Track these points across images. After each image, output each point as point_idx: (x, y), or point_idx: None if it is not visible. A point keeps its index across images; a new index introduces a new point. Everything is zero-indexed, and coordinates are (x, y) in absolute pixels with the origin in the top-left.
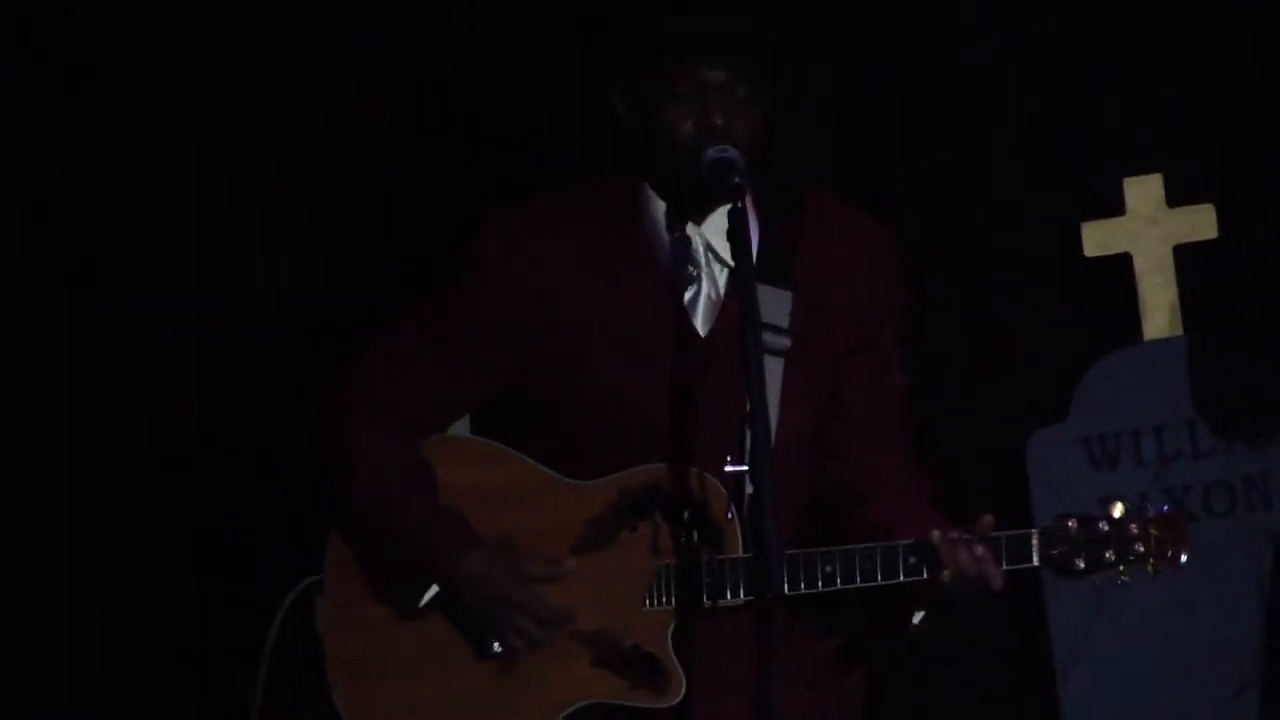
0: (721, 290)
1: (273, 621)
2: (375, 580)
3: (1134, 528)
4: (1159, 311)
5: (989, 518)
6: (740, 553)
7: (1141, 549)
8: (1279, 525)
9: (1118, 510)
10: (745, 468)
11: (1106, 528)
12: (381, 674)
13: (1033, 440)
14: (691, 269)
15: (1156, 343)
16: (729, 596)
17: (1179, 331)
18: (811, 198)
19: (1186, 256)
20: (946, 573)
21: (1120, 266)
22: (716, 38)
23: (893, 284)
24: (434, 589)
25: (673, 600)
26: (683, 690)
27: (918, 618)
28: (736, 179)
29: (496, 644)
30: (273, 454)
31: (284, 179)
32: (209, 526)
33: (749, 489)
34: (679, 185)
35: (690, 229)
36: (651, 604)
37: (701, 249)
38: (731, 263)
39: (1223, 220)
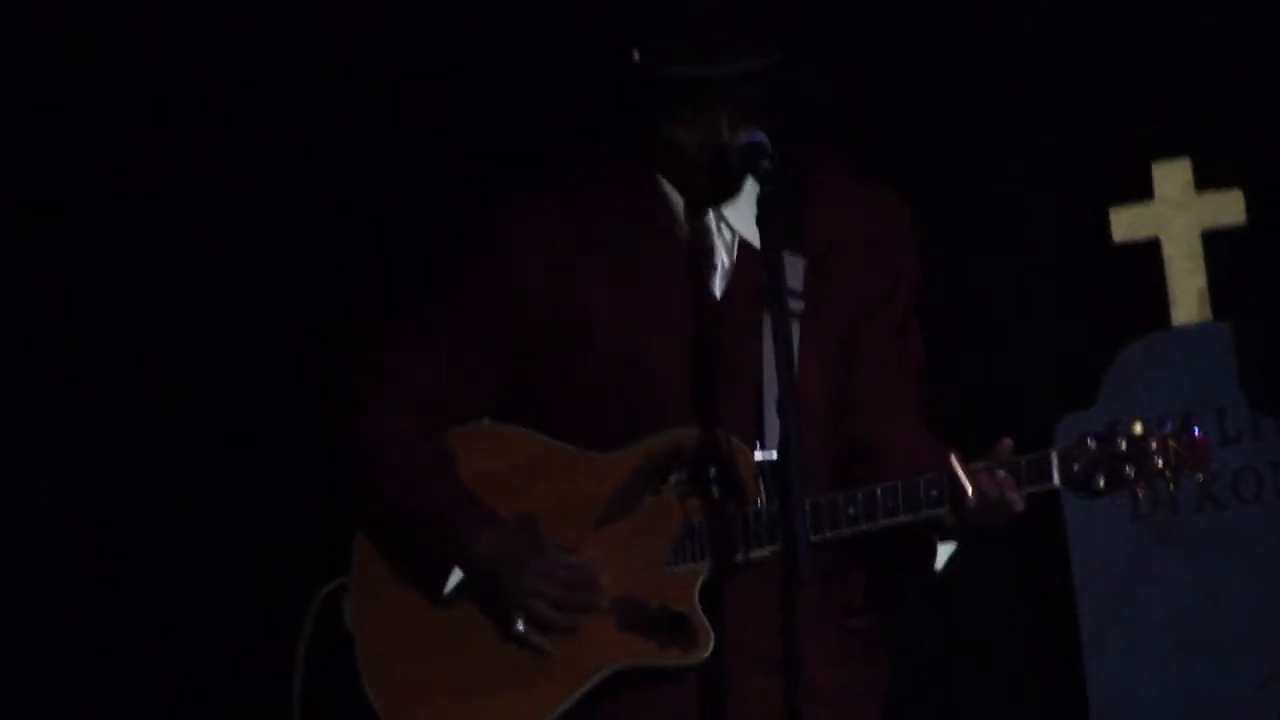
0: (732, 256)
1: (303, 623)
2: (400, 570)
3: (1153, 443)
4: (1187, 297)
5: (1008, 441)
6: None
7: (1160, 463)
8: None
9: (1138, 428)
10: (773, 455)
11: (1125, 444)
12: (410, 659)
13: (1061, 425)
14: (703, 237)
15: (1184, 328)
16: (760, 549)
17: (1207, 317)
18: (822, 162)
19: (1215, 242)
20: (968, 494)
21: (1148, 252)
22: (725, 82)
23: (906, 248)
24: (457, 574)
25: (700, 558)
26: (710, 645)
27: (943, 557)
28: (767, 163)
29: (520, 622)
30: (298, 455)
31: (283, 169)
32: (237, 530)
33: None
34: (685, 179)
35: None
36: (678, 563)
37: (712, 219)
38: (739, 229)
39: (1251, 205)
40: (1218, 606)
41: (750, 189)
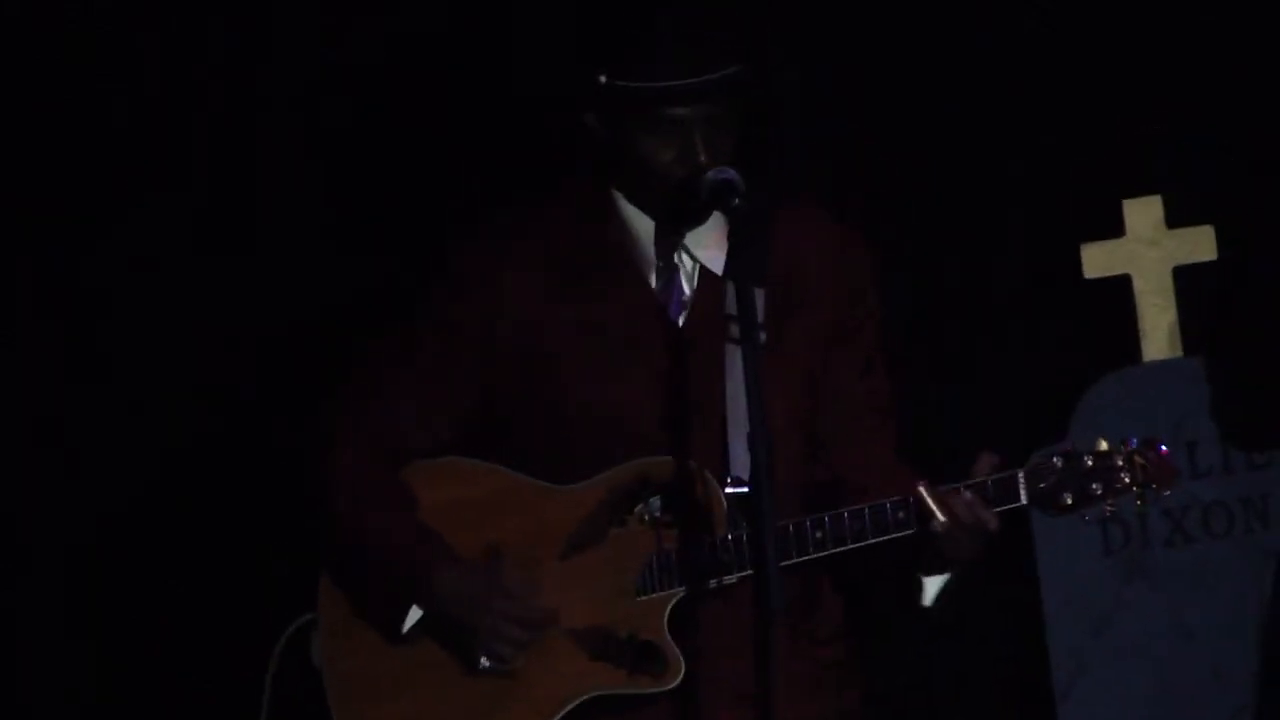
0: (693, 284)
1: (269, 659)
2: (362, 606)
3: (1119, 459)
4: (1158, 333)
5: (989, 456)
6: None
7: (1127, 479)
8: (1278, 545)
9: (1103, 444)
10: (740, 484)
11: (1091, 462)
12: (379, 693)
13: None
14: (666, 266)
15: (1155, 364)
16: (728, 576)
17: (1178, 353)
18: (782, 198)
19: (1186, 278)
20: (939, 521)
21: (1120, 288)
22: (694, 87)
23: (867, 282)
24: (415, 613)
25: (667, 587)
26: (682, 671)
27: (932, 591)
28: (737, 200)
29: (484, 659)
30: (272, 488)
31: (283, 169)
32: (236, 531)
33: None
34: (657, 203)
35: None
36: (645, 593)
37: (678, 252)
38: (700, 257)
39: (1222, 242)
40: (1189, 640)
41: (715, 217)
